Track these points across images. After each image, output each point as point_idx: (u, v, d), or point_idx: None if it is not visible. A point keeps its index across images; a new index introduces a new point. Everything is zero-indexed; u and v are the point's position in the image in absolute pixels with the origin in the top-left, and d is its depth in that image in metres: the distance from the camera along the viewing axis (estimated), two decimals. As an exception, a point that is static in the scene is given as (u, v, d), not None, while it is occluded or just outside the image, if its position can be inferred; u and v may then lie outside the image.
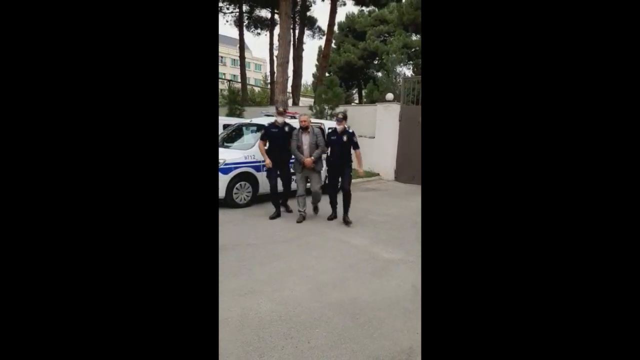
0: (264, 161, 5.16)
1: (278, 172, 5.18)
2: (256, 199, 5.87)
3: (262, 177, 5.63)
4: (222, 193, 5.37)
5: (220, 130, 7.22)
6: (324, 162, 5.23)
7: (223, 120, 7.95)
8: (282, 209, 5.40)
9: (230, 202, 5.47)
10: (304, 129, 4.98)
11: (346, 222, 5.00)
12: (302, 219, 5.07)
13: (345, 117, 5.00)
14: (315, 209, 5.43)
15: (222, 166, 5.35)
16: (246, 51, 19.53)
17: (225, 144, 6.32)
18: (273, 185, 5.13)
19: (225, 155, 5.52)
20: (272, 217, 5.14)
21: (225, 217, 5.04)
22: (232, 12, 18.78)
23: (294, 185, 5.52)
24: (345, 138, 4.98)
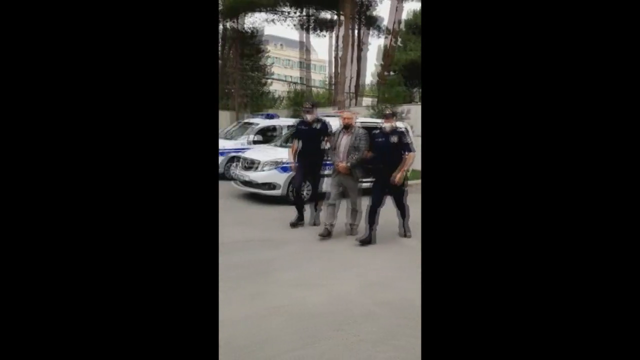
0: (324, 160, 4.75)
1: (305, 176, 4.72)
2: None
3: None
4: (282, 190, 5.74)
5: (285, 131, 7.89)
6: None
7: (286, 121, 8.84)
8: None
9: (289, 199, 5.72)
10: (346, 127, 4.23)
11: (405, 234, 4.30)
12: (327, 233, 4.20)
13: (394, 114, 4.18)
14: (351, 230, 4.35)
15: (282, 165, 5.71)
16: (310, 53, 20.03)
17: (287, 144, 6.61)
18: (296, 188, 4.78)
19: (285, 154, 5.79)
20: (293, 225, 4.68)
21: (282, 214, 5.23)
22: (299, 16, 19.33)
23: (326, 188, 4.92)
24: (394, 139, 3.96)
